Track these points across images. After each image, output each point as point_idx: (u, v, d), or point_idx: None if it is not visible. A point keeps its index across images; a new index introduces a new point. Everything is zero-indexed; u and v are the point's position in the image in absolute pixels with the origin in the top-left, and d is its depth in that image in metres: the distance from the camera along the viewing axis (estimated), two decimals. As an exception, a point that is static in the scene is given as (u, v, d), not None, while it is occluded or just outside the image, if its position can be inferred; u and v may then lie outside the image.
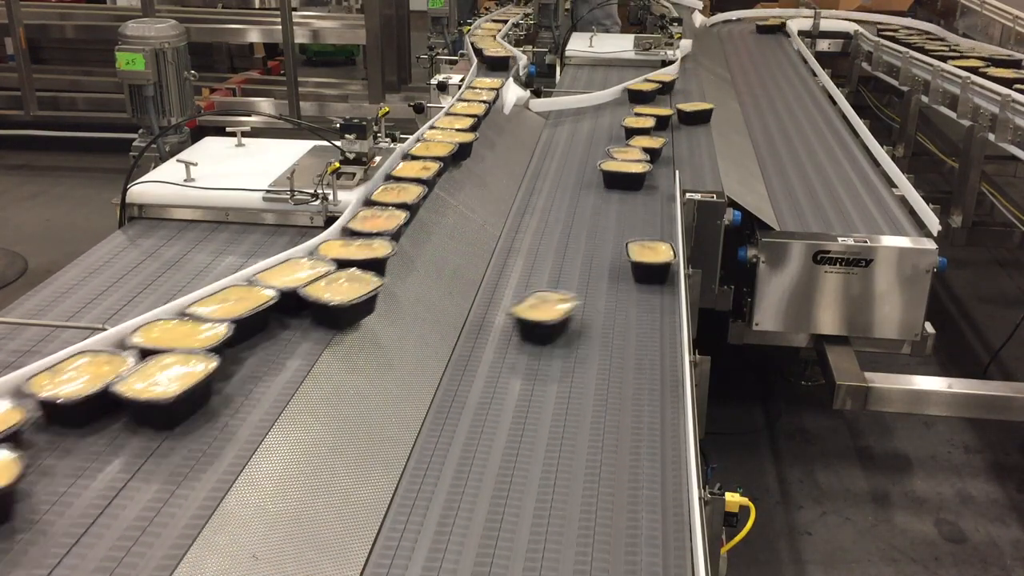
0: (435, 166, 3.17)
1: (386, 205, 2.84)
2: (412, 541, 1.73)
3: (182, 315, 2.16)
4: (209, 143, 3.61)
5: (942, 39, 6.95)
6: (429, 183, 3.05)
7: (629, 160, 3.71)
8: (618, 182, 3.60)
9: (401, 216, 2.75)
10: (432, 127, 3.67)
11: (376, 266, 2.42)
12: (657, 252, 2.87)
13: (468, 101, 4.11)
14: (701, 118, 4.51)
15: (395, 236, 2.62)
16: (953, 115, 5.29)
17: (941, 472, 3.97)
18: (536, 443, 2.03)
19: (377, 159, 3.20)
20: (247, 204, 3.04)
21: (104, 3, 9.59)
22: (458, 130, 3.63)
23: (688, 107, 4.57)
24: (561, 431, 2.08)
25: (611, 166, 3.65)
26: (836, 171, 4.36)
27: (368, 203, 2.87)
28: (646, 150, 3.81)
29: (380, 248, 2.50)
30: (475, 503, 1.84)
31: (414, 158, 3.28)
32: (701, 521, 1.76)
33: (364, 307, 2.28)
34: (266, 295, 2.23)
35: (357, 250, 2.51)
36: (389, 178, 3.09)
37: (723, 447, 3.98)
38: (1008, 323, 4.77)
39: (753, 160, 4.44)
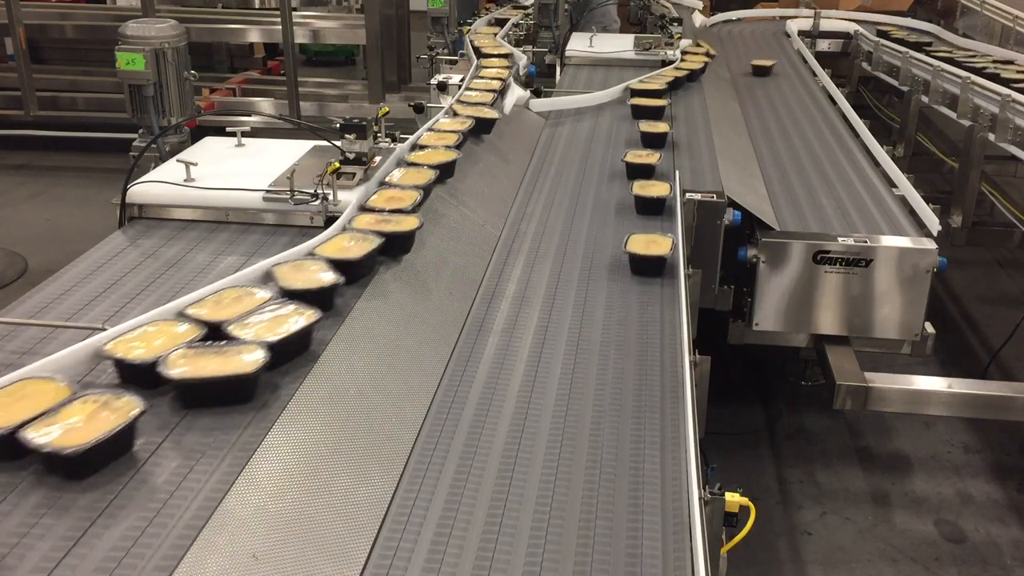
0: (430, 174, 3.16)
1: (382, 210, 2.83)
2: (412, 541, 1.73)
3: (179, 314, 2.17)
4: (209, 143, 3.61)
5: (974, 52, 6.56)
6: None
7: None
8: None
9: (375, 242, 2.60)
10: (430, 129, 3.64)
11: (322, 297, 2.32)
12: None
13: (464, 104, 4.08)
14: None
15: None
16: (953, 115, 5.29)
17: (941, 472, 3.97)
18: (536, 443, 2.03)
19: (377, 159, 3.20)
20: (247, 204, 3.04)
21: (104, 3, 9.59)
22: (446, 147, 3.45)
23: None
24: (561, 431, 2.08)
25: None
26: (836, 171, 4.36)
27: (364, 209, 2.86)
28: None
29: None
30: (475, 503, 1.84)
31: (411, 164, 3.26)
32: (701, 521, 1.76)
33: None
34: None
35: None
36: (384, 184, 3.07)
37: (723, 447, 3.98)
38: (1008, 323, 4.77)
39: (753, 160, 4.44)
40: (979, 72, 5.31)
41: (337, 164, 3.00)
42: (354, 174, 3.07)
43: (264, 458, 1.81)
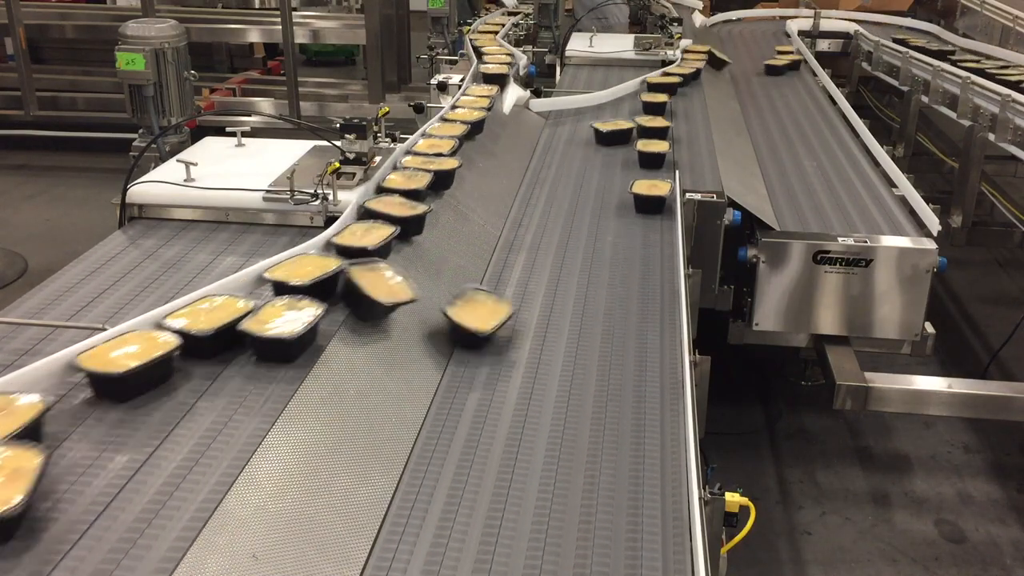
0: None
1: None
2: (412, 541, 1.73)
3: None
4: (209, 143, 3.61)
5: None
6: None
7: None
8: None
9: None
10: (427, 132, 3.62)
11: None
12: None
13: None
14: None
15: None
16: (953, 115, 5.29)
17: (941, 472, 3.97)
18: (536, 443, 2.03)
19: (377, 159, 3.20)
20: (247, 204, 3.04)
21: (104, 3, 9.59)
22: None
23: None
24: (561, 431, 2.08)
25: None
26: (836, 171, 4.36)
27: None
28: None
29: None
30: (475, 503, 1.84)
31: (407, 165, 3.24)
32: (701, 521, 1.76)
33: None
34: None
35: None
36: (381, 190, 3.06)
37: (723, 447, 3.98)
38: (1008, 323, 4.77)
39: (753, 160, 4.44)
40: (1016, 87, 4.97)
41: (337, 164, 3.00)
42: (354, 174, 3.07)
43: (264, 458, 1.81)
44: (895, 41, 6.50)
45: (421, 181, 3.04)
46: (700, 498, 1.83)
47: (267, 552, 1.61)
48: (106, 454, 1.79)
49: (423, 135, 3.51)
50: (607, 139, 4.15)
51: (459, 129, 3.62)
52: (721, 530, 2.10)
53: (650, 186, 3.40)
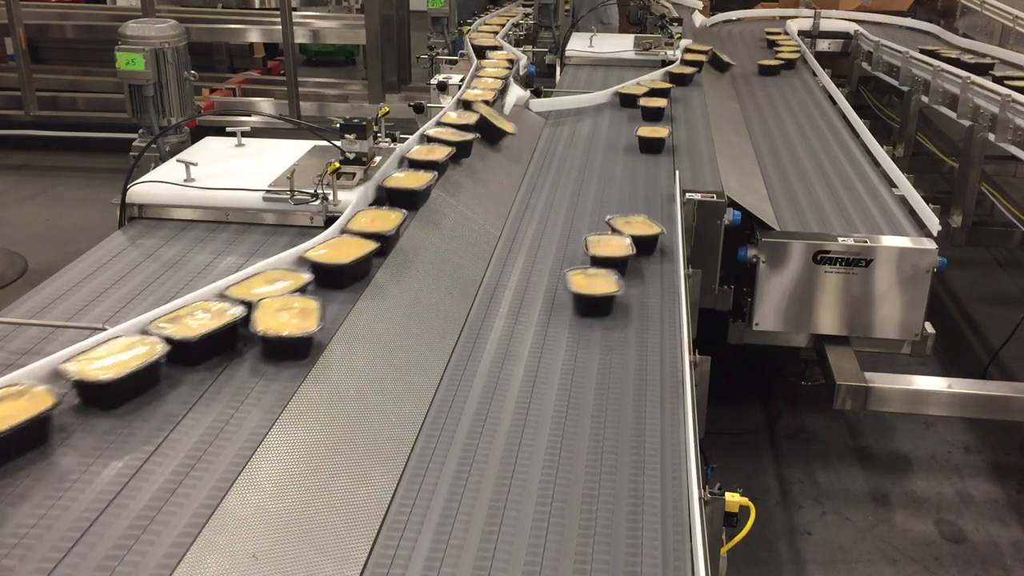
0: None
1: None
2: (412, 541, 1.73)
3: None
4: (209, 143, 3.61)
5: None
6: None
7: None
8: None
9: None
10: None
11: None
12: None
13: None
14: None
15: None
16: (953, 115, 5.29)
17: (941, 472, 3.97)
18: (536, 443, 2.03)
19: (377, 159, 3.20)
20: (247, 204, 3.04)
21: (104, 3, 9.59)
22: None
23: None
24: (561, 431, 2.08)
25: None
26: (836, 171, 4.36)
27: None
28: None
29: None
30: (475, 503, 1.84)
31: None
32: (701, 521, 1.76)
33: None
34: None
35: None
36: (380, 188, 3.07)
37: (723, 447, 3.98)
38: (1008, 323, 4.77)
39: (753, 160, 4.44)
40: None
41: (337, 164, 3.00)
42: (354, 174, 3.07)
43: (264, 458, 1.81)
44: (923, 52, 6.07)
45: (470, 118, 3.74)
46: (700, 498, 1.83)
47: (267, 552, 1.61)
48: (106, 455, 1.79)
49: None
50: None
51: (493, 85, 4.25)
52: (721, 530, 2.10)
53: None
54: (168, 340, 2.05)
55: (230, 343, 2.16)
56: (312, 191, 2.96)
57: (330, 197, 2.95)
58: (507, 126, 3.83)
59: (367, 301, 2.44)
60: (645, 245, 2.92)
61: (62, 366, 1.94)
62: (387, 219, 2.77)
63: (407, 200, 2.98)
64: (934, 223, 3.72)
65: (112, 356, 1.99)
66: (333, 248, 2.58)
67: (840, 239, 3.56)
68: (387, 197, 3.00)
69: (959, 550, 3.53)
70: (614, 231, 2.97)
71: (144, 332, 2.09)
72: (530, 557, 1.70)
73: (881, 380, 3.47)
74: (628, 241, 2.86)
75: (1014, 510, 3.73)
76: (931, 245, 3.54)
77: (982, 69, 5.58)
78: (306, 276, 2.40)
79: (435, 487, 1.88)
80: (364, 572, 1.66)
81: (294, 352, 2.13)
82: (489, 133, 3.80)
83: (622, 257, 2.77)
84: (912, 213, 3.87)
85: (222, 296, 2.27)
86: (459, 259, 2.90)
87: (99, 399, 1.92)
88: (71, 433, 1.84)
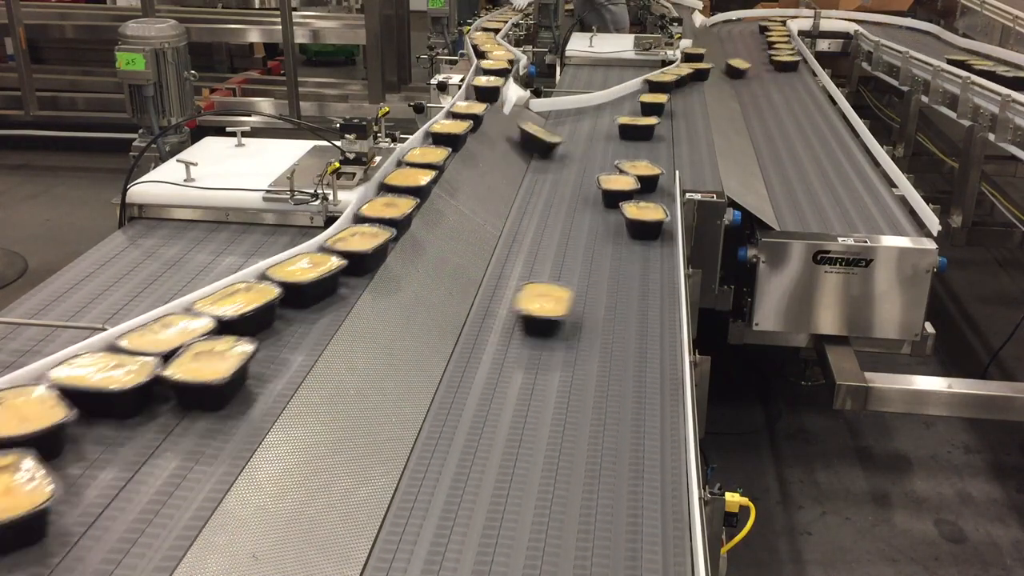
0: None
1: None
2: (412, 541, 1.73)
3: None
4: (209, 143, 3.61)
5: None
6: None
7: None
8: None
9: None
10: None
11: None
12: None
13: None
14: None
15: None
16: (953, 115, 5.28)
17: (941, 472, 3.97)
18: (536, 443, 2.03)
19: (377, 159, 3.20)
20: (247, 204, 3.04)
21: (104, 3, 9.59)
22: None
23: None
24: (561, 431, 2.08)
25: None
26: (836, 171, 4.36)
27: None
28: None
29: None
30: (475, 503, 1.84)
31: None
32: (701, 521, 1.76)
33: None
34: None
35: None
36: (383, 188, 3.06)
37: (723, 447, 3.98)
38: (1008, 323, 4.77)
39: (753, 160, 4.44)
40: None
41: (337, 164, 3.00)
42: (354, 174, 3.07)
43: (264, 458, 1.81)
44: (951, 63, 5.61)
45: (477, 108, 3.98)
46: (700, 498, 1.83)
47: (267, 552, 1.61)
48: (105, 455, 1.79)
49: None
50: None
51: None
52: (721, 530, 2.10)
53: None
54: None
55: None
56: (312, 191, 2.96)
57: (330, 197, 2.95)
58: (555, 138, 4.07)
59: (366, 301, 2.44)
60: (649, 183, 3.48)
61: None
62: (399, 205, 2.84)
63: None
64: (934, 223, 3.72)
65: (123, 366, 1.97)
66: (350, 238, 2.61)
67: (840, 239, 3.56)
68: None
69: (959, 550, 3.53)
70: (622, 172, 3.56)
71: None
72: (530, 557, 1.70)
73: (881, 380, 3.47)
74: (633, 178, 3.46)
75: (1014, 510, 3.73)
76: (931, 245, 3.54)
77: (1020, 84, 5.09)
78: (336, 261, 2.45)
79: (435, 487, 1.88)
80: (364, 572, 1.66)
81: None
82: (538, 147, 4.05)
83: (629, 191, 3.36)
84: (912, 213, 3.87)
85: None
86: (459, 259, 2.90)
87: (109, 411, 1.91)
88: (69, 435, 1.84)
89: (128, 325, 2.11)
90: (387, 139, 3.45)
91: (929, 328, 3.60)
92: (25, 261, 5.77)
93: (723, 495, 2.02)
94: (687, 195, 3.49)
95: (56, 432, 1.75)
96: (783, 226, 3.69)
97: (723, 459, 3.75)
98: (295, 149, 3.47)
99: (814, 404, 4.31)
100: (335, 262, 2.45)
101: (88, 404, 1.85)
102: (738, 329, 3.75)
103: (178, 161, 3.18)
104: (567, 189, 3.64)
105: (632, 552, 1.71)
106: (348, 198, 2.92)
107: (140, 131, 4.02)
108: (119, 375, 1.92)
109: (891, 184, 4.21)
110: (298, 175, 2.99)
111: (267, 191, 3.03)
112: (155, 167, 3.34)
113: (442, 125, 3.66)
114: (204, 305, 2.21)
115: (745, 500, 2.05)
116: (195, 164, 3.12)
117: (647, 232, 3.12)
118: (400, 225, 2.74)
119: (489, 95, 4.31)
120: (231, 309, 2.19)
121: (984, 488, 3.87)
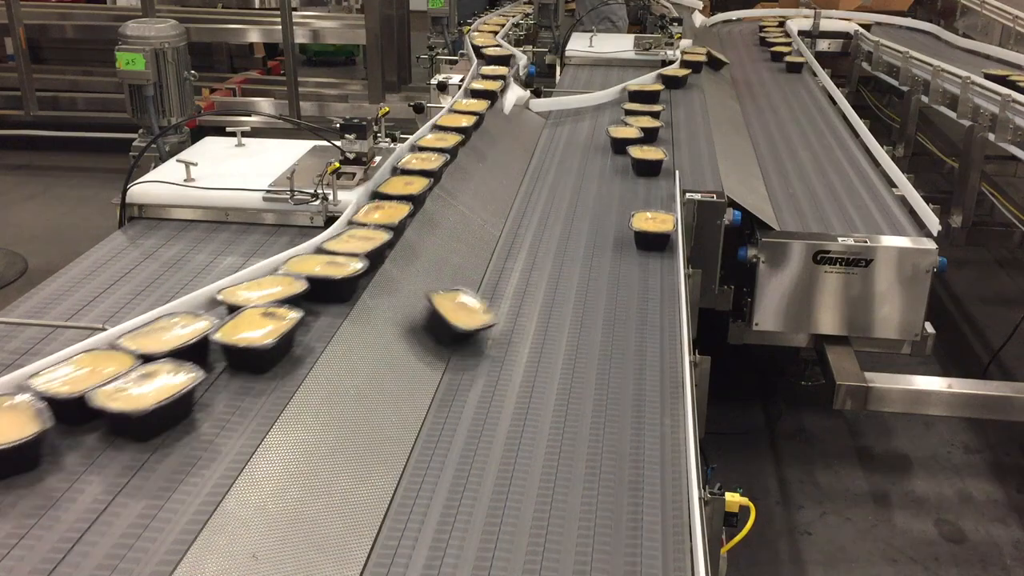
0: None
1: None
2: (412, 541, 1.73)
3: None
4: (209, 143, 3.61)
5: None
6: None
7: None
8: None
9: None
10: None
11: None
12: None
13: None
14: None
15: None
16: (953, 115, 5.29)
17: (941, 472, 3.97)
18: (536, 443, 2.03)
19: (377, 159, 3.20)
20: (247, 204, 3.04)
21: (104, 3, 9.59)
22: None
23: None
24: (561, 431, 2.08)
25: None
26: (836, 171, 4.36)
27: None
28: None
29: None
30: (475, 503, 1.84)
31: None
32: (701, 521, 1.76)
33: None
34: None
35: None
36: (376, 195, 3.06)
37: (723, 447, 3.98)
38: (1008, 323, 4.77)
39: (753, 160, 4.44)
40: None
41: (337, 164, 3.00)
42: (354, 174, 3.07)
43: (264, 458, 1.81)
44: (988, 77, 5.17)
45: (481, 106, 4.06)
46: (700, 498, 1.83)
47: (267, 552, 1.61)
48: (105, 455, 1.79)
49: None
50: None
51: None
52: (721, 530, 2.09)
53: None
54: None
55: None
56: (312, 191, 2.96)
57: (330, 197, 2.95)
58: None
59: (367, 302, 2.44)
60: (651, 133, 4.05)
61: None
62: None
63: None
64: (934, 223, 3.72)
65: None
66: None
67: (840, 239, 3.56)
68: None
69: (959, 550, 3.53)
70: (627, 125, 4.14)
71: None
72: (530, 557, 1.70)
73: (881, 380, 3.47)
74: (637, 129, 4.03)
75: (1014, 510, 3.73)
76: (931, 245, 3.54)
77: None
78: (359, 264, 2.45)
79: (435, 487, 1.88)
80: (364, 572, 1.66)
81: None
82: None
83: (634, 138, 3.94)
84: (912, 213, 3.87)
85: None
86: (459, 259, 2.90)
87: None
88: (74, 437, 1.84)
89: (128, 325, 2.11)
90: (387, 139, 3.45)
91: (929, 328, 3.60)
92: (25, 261, 5.78)
93: (723, 495, 2.02)
94: (687, 195, 3.49)
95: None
96: (783, 226, 3.69)
97: (723, 459, 3.75)
98: (295, 149, 3.46)
99: (814, 404, 4.31)
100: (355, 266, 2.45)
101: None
102: (738, 329, 3.75)
103: (178, 161, 3.17)
104: (567, 189, 3.64)
105: (632, 552, 1.71)
106: (348, 198, 2.92)
107: (140, 131, 4.02)
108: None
109: (891, 184, 4.21)
110: (298, 175, 2.99)
111: (267, 191, 3.03)
112: (155, 167, 3.33)
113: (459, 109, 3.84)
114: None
115: (745, 500, 2.05)
116: (195, 164, 3.12)
117: (650, 169, 3.72)
118: (416, 200, 2.91)
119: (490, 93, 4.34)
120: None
121: (984, 488, 3.87)
